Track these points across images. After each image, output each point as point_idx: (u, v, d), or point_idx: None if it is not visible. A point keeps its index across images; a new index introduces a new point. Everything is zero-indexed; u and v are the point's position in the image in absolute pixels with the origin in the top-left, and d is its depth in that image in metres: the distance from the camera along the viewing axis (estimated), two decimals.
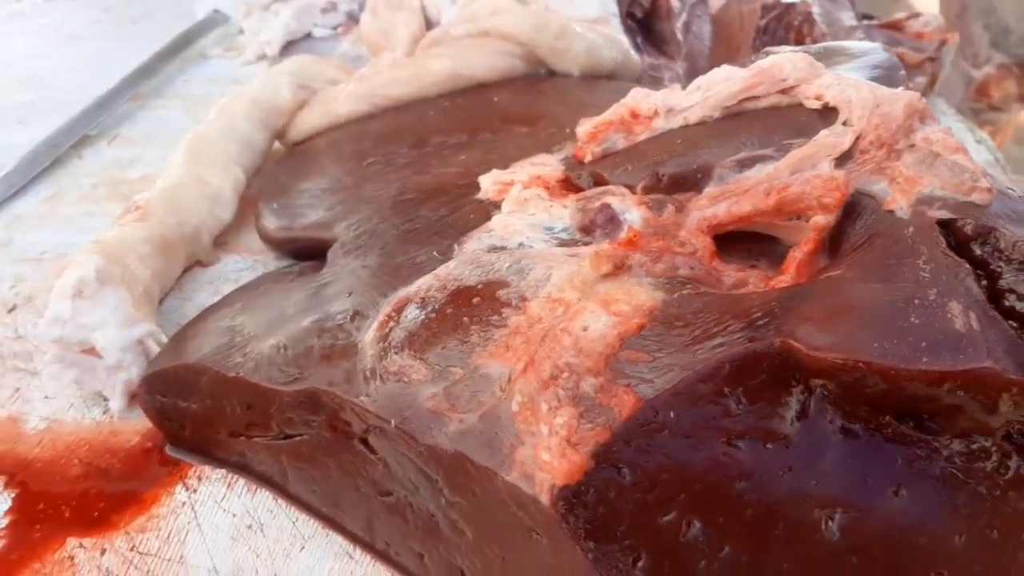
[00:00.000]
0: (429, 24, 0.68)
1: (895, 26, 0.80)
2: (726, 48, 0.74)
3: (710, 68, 0.72)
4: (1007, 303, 0.29)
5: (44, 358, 0.41)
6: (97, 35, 0.88)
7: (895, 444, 0.27)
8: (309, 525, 0.36)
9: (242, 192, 0.54)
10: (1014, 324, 0.28)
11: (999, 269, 0.30)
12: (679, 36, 0.72)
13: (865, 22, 0.81)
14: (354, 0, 0.87)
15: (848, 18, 0.79)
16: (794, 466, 0.27)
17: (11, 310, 0.48)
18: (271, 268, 0.50)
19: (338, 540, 0.35)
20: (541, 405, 0.28)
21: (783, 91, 0.40)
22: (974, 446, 0.27)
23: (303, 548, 0.35)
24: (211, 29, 0.82)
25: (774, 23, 0.76)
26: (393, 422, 0.30)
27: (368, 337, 0.34)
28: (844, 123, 0.37)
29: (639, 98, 0.43)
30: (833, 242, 0.34)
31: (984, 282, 0.29)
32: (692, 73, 0.70)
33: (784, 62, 0.41)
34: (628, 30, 0.73)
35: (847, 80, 0.40)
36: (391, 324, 0.34)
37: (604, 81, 0.61)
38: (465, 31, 0.63)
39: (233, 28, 0.84)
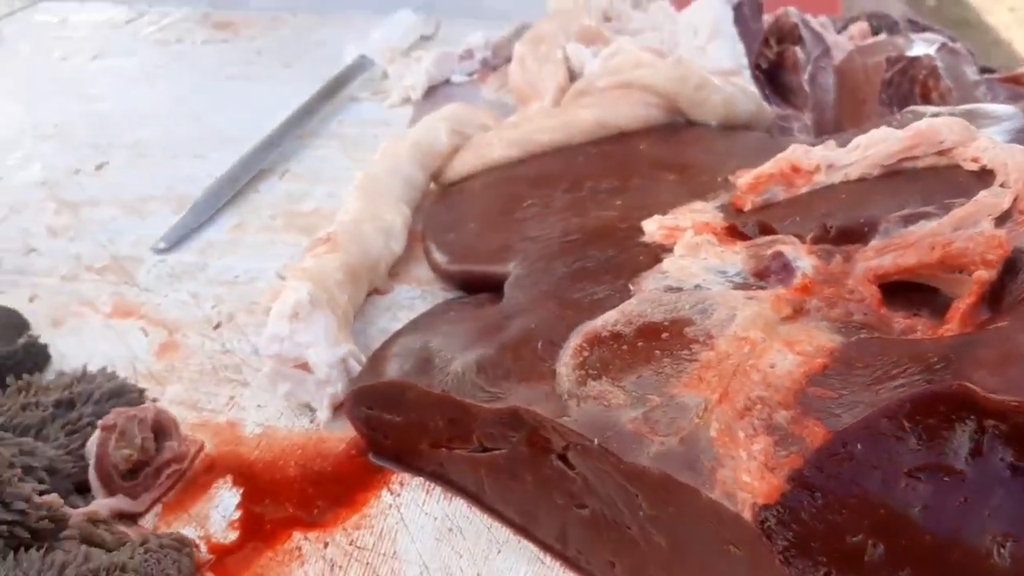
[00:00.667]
0: (572, 75, 0.73)
1: (1017, 80, 0.81)
2: (851, 100, 0.76)
3: (836, 119, 0.75)
4: None
5: (261, 371, 0.47)
6: (252, 76, 0.95)
7: None
8: (502, 531, 0.40)
9: (409, 227, 0.60)
10: None
11: None
12: (806, 87, 0.75)
13: (986, 76, 0.82)
14: (487, 48, 0.93)
15: (971, 72, 0.80)
16: (969, 498, 0.30)
17: (216, 327, 0.54)
18: (439, 297, 0.55)
19: (529, 546, 0.39)
20: (738, 433, 0.32)
21: (940, 152, 0.43)
22: None
23: (500, 552, 0.39)
24: (359, 74, 0.89)
25: (899, 76, 0.78)
26: (596, 441, 0.34)
27: (564, 364, 0.38)
28: (1002, 185, 0.40)
29: (800, 153, 0.46)
30: (994, 295, 0.37)
31: None
32: (819, 123, 0.73)
33: (941, 125, 0.44)
34: (756, 81, 0.76)
35: (1001, 144, 0.43)
36: (585, 353, 0.38)
37: (743, 132, 0.64)
38: (609, 83, 0.67)
39: (377, 73, 0.91)
